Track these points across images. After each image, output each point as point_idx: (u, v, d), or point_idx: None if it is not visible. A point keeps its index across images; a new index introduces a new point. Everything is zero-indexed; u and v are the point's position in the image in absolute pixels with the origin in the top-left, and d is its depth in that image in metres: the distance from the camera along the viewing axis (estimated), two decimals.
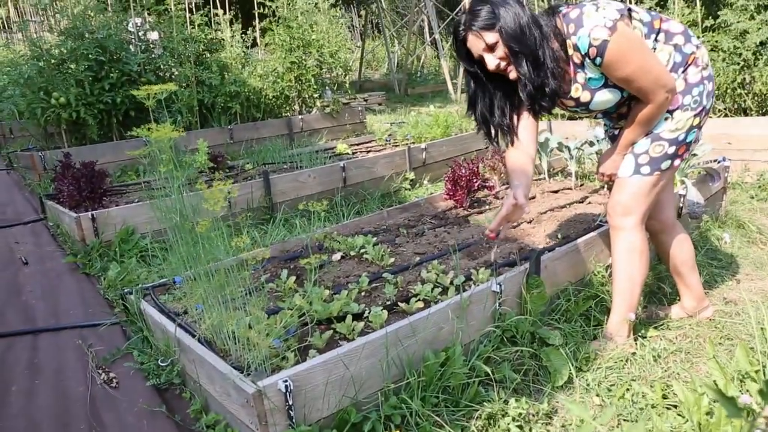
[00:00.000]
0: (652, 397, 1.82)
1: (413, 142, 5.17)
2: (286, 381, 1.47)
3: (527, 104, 1.94)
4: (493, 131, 2.05)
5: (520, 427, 1.69)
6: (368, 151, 5.06)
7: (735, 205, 3.78)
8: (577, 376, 1.92)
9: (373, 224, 3.18)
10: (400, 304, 2.03)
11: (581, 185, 3.70)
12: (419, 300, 2.04)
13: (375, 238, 2.78)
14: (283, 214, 3.60)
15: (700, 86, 1.89)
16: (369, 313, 1.93)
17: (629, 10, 1.88)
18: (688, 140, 1.94)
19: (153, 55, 5.35)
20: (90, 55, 4.58)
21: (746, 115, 4.76)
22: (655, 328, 2.21)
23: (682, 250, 2.20)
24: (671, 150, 1.93)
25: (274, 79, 5.93)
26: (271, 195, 3.63)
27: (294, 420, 1.51)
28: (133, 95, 4.93)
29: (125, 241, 3.02)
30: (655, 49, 1.90)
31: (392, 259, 2.55)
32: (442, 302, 1.92)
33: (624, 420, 1.76)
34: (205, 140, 4.43)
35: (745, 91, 4.55)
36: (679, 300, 2.32)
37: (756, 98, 4.58)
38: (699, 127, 1.94)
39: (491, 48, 1.81)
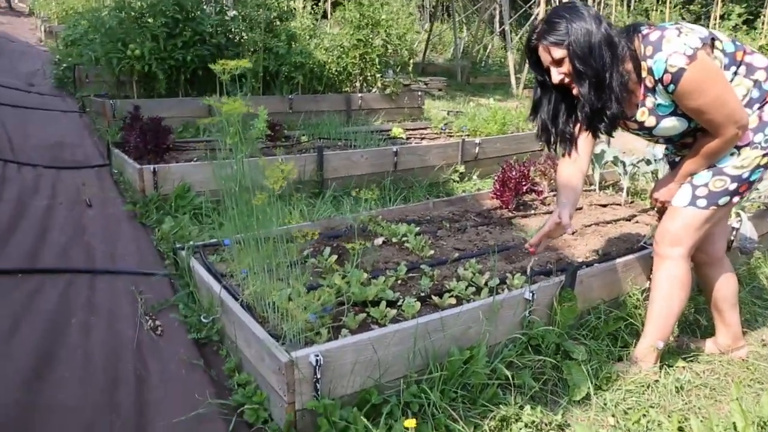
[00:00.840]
0: (668, 427, 1.84)
1: (468, 135, 5.16)
2: (317, 355, 1.57)
3: (584, 125, 1.93)
4: (553, 139, 2.05)
5: None
6: (422, 138, 5.09)
7: None
8: (595, 394, 1.95)
9: (418, 213, 3.24)
10: (433, 297, 2.10)
11: (631, 202, 3.65)
12: (452, 296, 2.10)
13: (417, 228, 2.84)
14: (332, 191, 3.71)
15: None
16: (403, 301, 2.01)
17: (713, 39, 1.83)
18: (751, 179, 1.89)
19: (226, 18, 5.50)
20: (167, 12, 4.76)
21: None
22: (684, 359, 2.20)
23: (725, 286, 2.17)
24: (732, 186, 1.89)
25: (339, 54, 6.01)
26: (323, 170, 3.73)
27: (319, 392, 1.61)
28: (203, 54, 5.09)
29: (181, 197, 3.19)
30: (732, 81, 1.85)
31: (432, 252, 2.61)
32: (474, 302, 1.98)
33: None
34: (265, 108, 4.57)
35: None
36: (713, 335, 2.30)
37: None
38: (766, 167, 1.89)
39: (557, 62, 1.81)
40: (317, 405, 1.59)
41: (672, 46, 1.73)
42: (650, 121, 1.91)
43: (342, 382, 1.67)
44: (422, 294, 2.15)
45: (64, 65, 6.14)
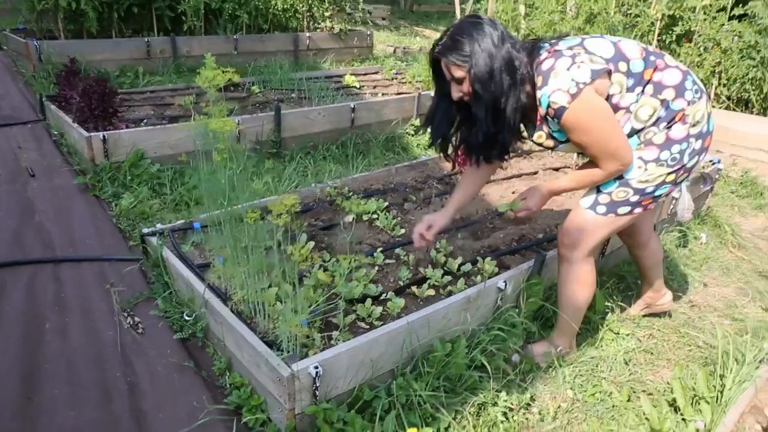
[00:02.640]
0: (619, 399, 2.09)
1: (420, 81, 5.11)
2: (317, 367, 1.64)
3: (476, 152, 1.93)
4: (451, 149, 2.02)
5: (504, 414, 1.94)
6: (375, 86, 4.99)
7: (715, 198, 4.01)
8: (556, 369, 2.17)
9: (381, 181, 3.26)
10: (413, 288, 2.19)
11: (585, 162, 3.83)
12: (430, 287, 2.20)
13: (385, 202, 2.88)
14: (291, 152, 3.64)
15: (683, 143, 1.82)
16: (386, 295, 2.09)
17: (618, 62, 1.77)
18: (656, 194, 1.89)
19: None
20: None
21: (747, 108, 4.88)
22: (628, 326, 2.46)
23: (654, 261, 2.36)
24: (634, 198, 1.88)
25: None
26: (280, 131, 3.62)
27: (318, 398, 1.70)
28: None
29: (135, 165, 3.03)
30: (637, 101, 1.80)
31: (402, 230, 2.67)
32: (454, 296, 2.08)
33: (592, 416, 2.04)
34: (210, 52, 4.28)
35: (753, 88, 4.62)
36: (638, 291, 2.53)
37: (761, 96, 4.67)
38: (674, 183, 1.89)
39: (458, 81, 1.77)
40: (317, 410, 1.68)
41: (557, 81, 1.69)
42: (548, 143, 1.91)
43: (337, 384, 1.76)
44: (401, 283, 2.23)
45: None
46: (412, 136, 4.45)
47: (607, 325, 2.41)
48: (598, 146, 1.77)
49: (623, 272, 2.83)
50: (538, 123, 1.88)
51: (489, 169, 2.14)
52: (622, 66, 1.77)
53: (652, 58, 1.81)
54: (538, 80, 1.75)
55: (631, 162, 1.82)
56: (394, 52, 6.58)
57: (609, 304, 2.52)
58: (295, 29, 5.90)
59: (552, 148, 1.94)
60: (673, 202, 3.10)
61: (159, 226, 2.44)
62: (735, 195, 4.17)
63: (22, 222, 2.55)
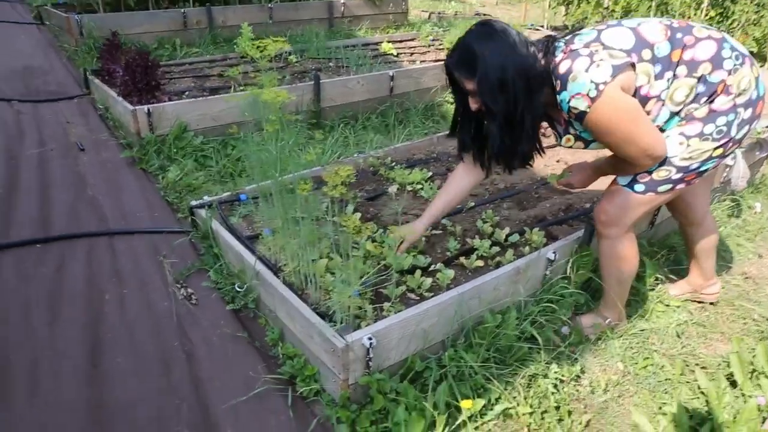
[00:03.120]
0: (671, 372, 2.05)
1: None
2: (370, 338, 1.66)
3: (494, 160, 1.89)
4: (486, 159, 1.98)
5: (555, 385, 1.93)
6: (412, 53, 4.90)
7: None
8: (605, 341, 2.14)
9: (423, 150, 3.23)
10: (461, 258, 2.18)
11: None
12: (478, 258, 2.19)
13: (429, 172, 2.85)
14: (330, 120, 3.62)
15: (730, 115, 1.69)
16: (435, 266, 2.09)
17: (641, 49, 1.65)
18: (701, 169, 1.78)
19: None
20: None
21: None
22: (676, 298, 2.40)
23: (706, 242, 2.23)
24: (677, 176, 1.78)
25: None
26: (320, 100, 3.60)
27: (371, 368, 1.72)
28: None
29: (179, 138, 3.06)
30: (670, 86, 1.68)
31: None
32: (502, 267, 2.06)
33: (644, 389, 2.01)
34: (246, 22, 4.26)
35: None
36: (687, 274, 2.41)
37: None
38: (722, 156, 1.77)
39: (472, 93, 1.70)
40: (370, 380, 1.70)
41: (576, 85, 1.60)
42: (578, 145, 1.85)
43: (389, 355, 1.77)
44: (449, 255, 2.22)
45: None
46: (451, 104, 4.36)
47: (657, 297, 2.36)
48: (626, 146, 1.69)
49: (673, 243, 2.74)
50: (564, 126, 1.81)
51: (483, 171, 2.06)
52: (646, 54, 1.65)
53: (678, 35, 1.68)
54: (557, 84, 1.67)
55: (664, 155, 1.73)
56: (429, 17, 6.42)
57: (660, 276, 2.46)
58: None
59: (584, 148, 1.88)
60: (727, 170, 2.97)
61: (206, 198, 2.48)
62: None
63: (76, 196, 2.62)
